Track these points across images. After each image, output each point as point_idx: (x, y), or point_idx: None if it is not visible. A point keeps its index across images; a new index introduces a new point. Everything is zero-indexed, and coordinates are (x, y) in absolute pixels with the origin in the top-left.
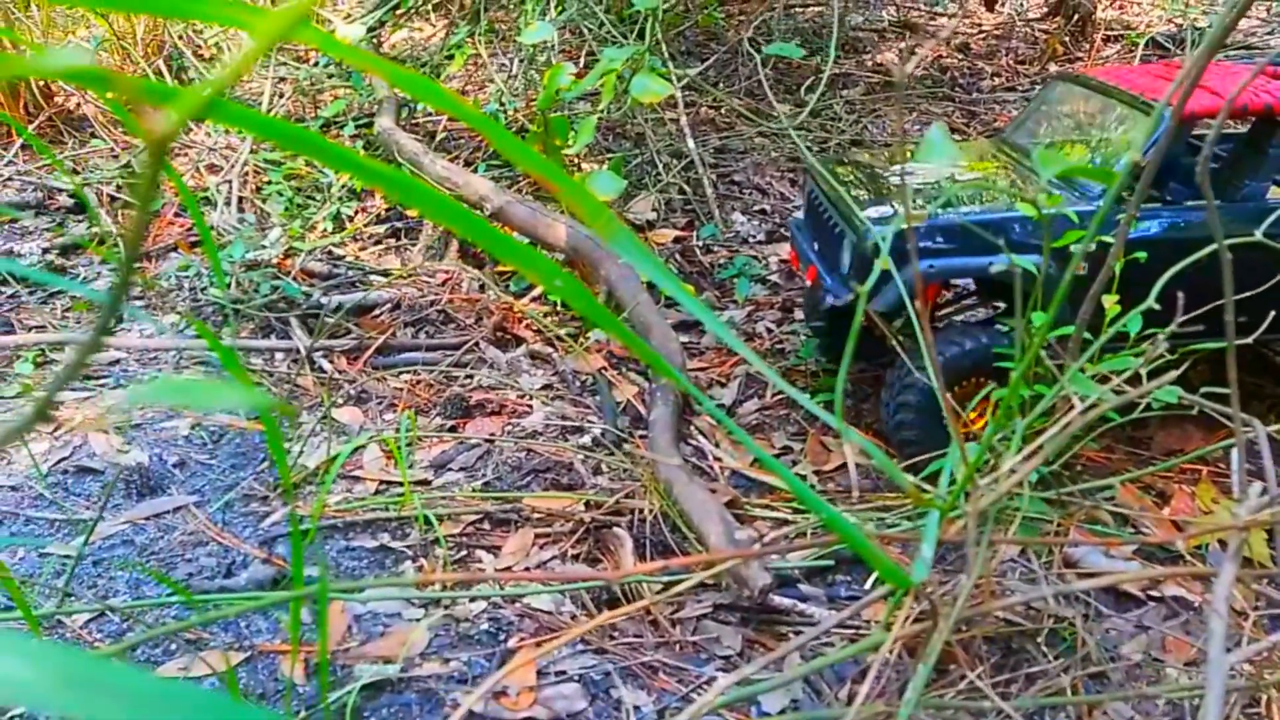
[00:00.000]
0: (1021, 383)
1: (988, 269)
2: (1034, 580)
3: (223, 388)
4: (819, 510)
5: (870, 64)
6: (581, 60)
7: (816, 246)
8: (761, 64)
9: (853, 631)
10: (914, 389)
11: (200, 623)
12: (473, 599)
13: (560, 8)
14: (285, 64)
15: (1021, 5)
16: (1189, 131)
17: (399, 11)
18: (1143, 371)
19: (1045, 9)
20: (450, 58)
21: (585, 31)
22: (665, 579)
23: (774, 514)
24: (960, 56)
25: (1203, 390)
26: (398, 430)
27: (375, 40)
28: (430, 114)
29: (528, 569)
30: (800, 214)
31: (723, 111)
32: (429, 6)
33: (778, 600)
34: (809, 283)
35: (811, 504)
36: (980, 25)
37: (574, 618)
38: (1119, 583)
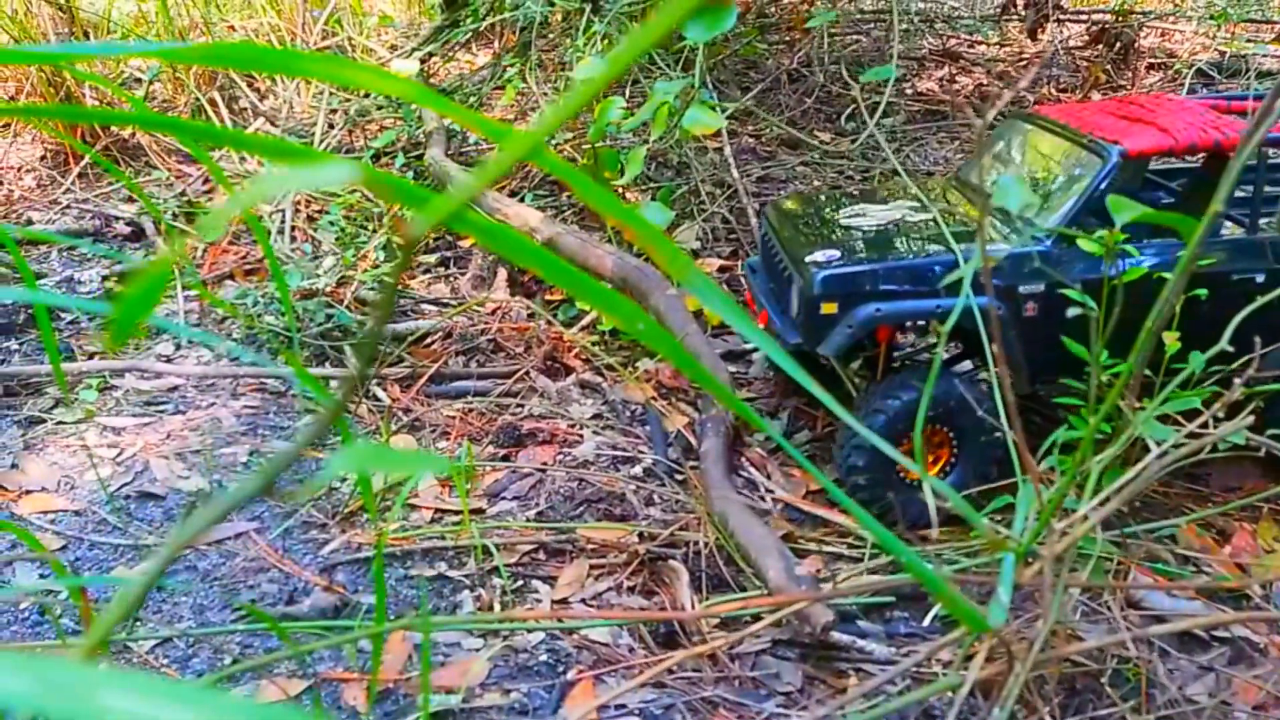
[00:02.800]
0: (1086, 425)
1: (936, 311)
2: (1099, 620)
3: (419, 456)
4: (897, 552)
5: (911, 92)
6: (626, 90)
7: (771, 288)
8: (808, 93)
9: (914, 668)
10: None
11: (299, 653)
12: (531, 630)
13: (607, 41)
14: (334, 94)
15: (1063, 33)
16: (1143, 169)
17: (448, 44)
18: (1215, 415)
19: (1087, 37)
20: (499, 88)
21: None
22: (722, 613)
23: (828, 548)
24: (1001, 84)
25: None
26: (453, 458)
27: (425, 72)
28: (479, 144)
29: (584, 600)
30: (755, 256)
31: (763, 140)
32: (474, 38)
33: (837, 636)
34: (761, 326)
35: (890, 546)
36: (1022, 53)
37: (631, 650)
38: (1193, 627)
